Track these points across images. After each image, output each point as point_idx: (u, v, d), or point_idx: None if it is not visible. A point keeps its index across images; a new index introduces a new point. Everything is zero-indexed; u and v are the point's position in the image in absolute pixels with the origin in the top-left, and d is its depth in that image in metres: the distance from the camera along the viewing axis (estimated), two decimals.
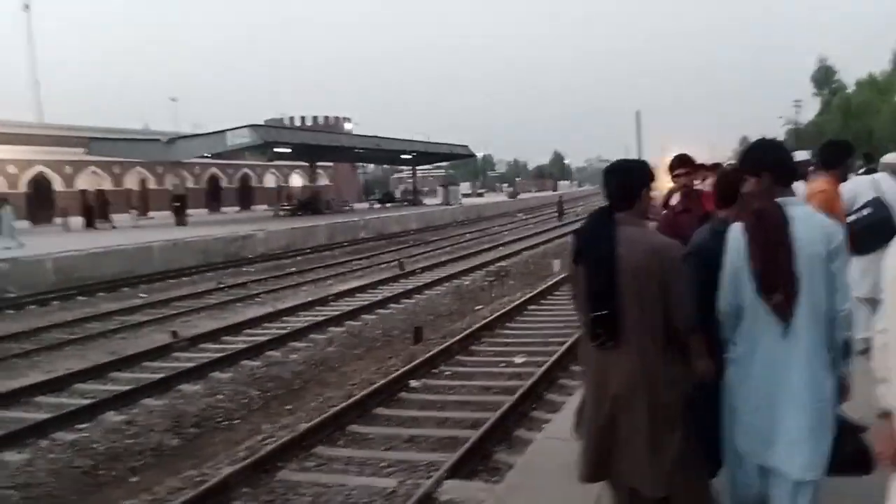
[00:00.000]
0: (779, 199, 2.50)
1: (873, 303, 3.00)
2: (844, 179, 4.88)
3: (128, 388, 7.82)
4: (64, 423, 6.75)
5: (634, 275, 2.50)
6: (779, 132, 63.96)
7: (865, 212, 4.90)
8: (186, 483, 5.34)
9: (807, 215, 2.51)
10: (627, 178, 2.66)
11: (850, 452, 2.49)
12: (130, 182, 44.22)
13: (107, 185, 42.68)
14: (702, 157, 5.51)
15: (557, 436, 4.16)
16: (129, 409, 7.26)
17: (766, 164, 2.57)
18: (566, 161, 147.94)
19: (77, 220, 32.38)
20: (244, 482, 5.16)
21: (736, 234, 2.53)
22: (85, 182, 41.58)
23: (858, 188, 5.03)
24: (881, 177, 5.15)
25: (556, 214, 39.94)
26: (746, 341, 2.51)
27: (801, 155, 7.33)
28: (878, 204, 4.89)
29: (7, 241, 19.66)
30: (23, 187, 37.91)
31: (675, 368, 2.55)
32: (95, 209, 33.10)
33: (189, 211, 33.78)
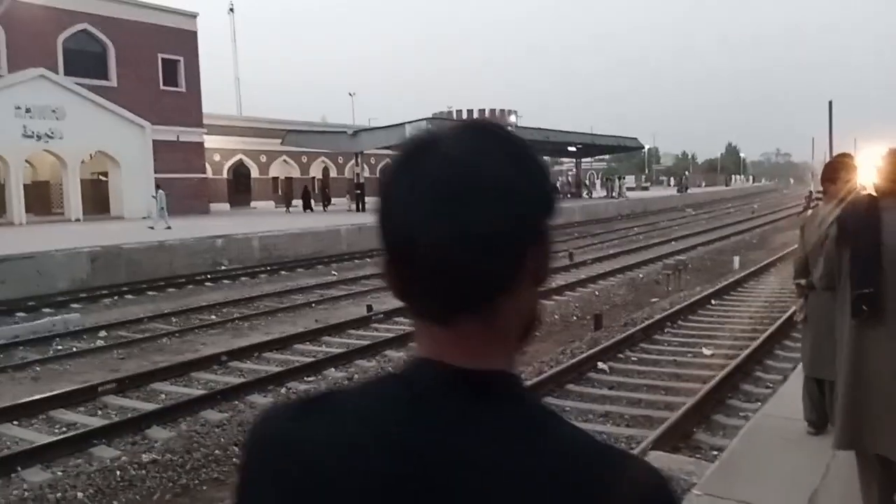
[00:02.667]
0: None
1: None
2: None
3: (342, 350, 8.82)
4: (294, 375, 7.81)
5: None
6: None
7: None
8: None
9: None
10: (892, 163, 2.81)
11: None
12: (315, 171, 48.01)
13: (295, 173, 46.65)
14: None
15: (776, 414, 4.30)
16: (347, 367, 8.22)
17: None
18: (741, 154, 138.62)
19: (269, 204, 35.78)
20: None
21: None
22: (277, 170, 45.74)
23: None
24: None
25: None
26: None
27: None
28: None
29: (158, 223, 22.08)
30: (225, 174, 42.41)
31: None
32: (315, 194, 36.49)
33: (367, 198, 36.14)
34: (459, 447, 0.60)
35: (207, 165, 37.77)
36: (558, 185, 62.91)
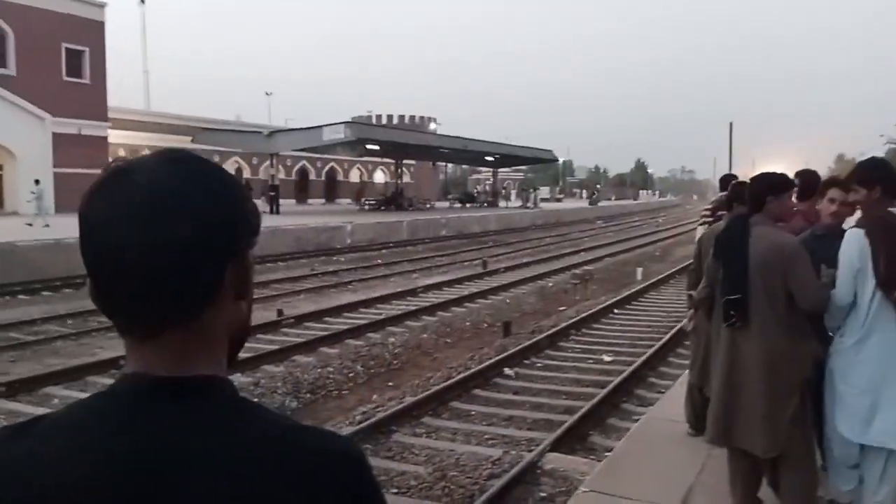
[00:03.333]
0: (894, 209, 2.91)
1: None
2: None
3: (248, 355, 8.68)
4: None
5: (761, 265, 2.97)
6: (880, 150, 60.83)
7: None
8: None
9: None
10: (756, 187, 3.13)
11: None
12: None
13: None
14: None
15: (661, 416, 4.61)
16: (254, 372, 8.11)
17: (878, 177, 2.97)
18: (649, 170, 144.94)
19: None
20: (364, 440, 5.81)
21: (857, 238, 2.91)
22: None
23: None
24: None
25: None
26: (856, 332, 2.91)
27: None
28: None
29: (36, 220, 20.97)
30: None
31: (795, 347, 3.00)
32: None
33: (280, 201, 35.49)
34: (166, 446, 0.64)
35: (111, 161, 35.98)
36: (475, 193, 63.95)
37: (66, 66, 32.17)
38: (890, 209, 2.90)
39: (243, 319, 0.75)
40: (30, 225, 20.20)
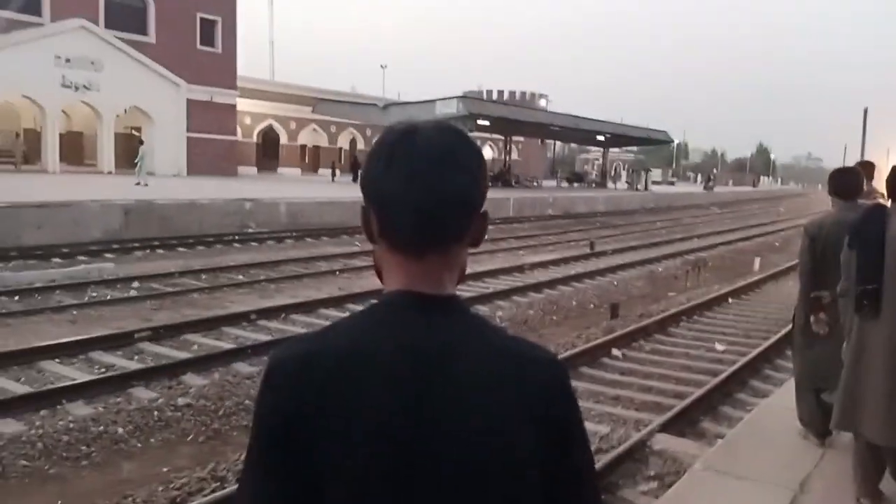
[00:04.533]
0: None
1: None
2: None
3: None
4: None
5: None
6: None
7: None
8: None
9: None
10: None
11: None
12: (342, 141, 48.28)
13: (323, 142, 46.98)
14: None
15: (780, 404, 4.54)
16: None
17: None
18: (772, 155, 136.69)
19: (295, 171, 35.91)
20: None
21: None
22: (305, 138, 46.03)
23: None
24: None
25: None
26: None
27: None
28: None
29: (143, 178, 22.23)
30: (255, 138, 42.82)
31: None
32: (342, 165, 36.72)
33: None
34: (446, 343, 0.86)
35: (238, 128, 38.23)
36: (583, 173, 62.77)
37: (200, 35, 34.24)
38: None
39: (466, 261, 0.96)
40: (138, 184, 21.20)
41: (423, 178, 0.86)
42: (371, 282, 12.31)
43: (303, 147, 46.27)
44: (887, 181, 3.15)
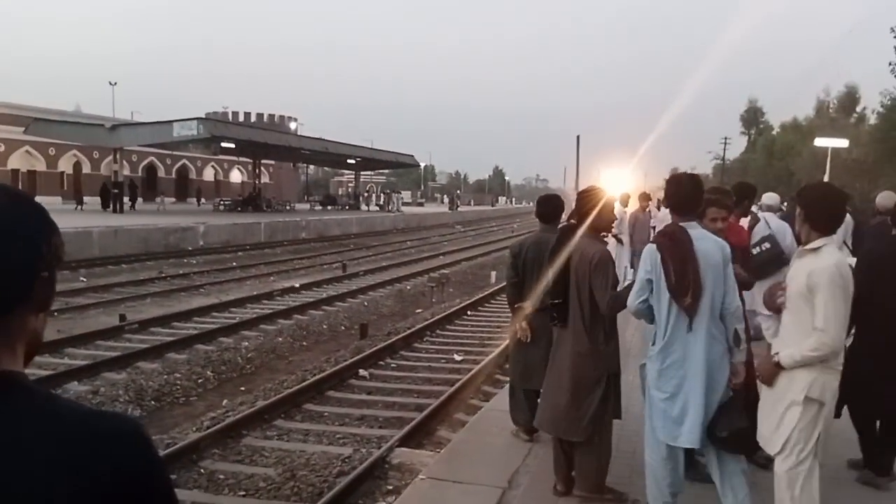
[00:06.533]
0: (682, 224, 3.24)
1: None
2: (746, 215, 5.91)
3: (87, 362, 8.18)
4: None
5: (575, 274, 3.35)
6: (707, 166, 67.34)
7: (765, 246, 5.92)
8: (158, 445, 5.86)
9: (703, 235, 3.18)
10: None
11: (730, 430, 3.01)
12: (64, 165, 43.04)
13: (41, 166, 41.46)
14: (637, 185, 6.52)
15: (498, 408, 4.96)
16: (93, 380, 7.65)
17: (667, 195, 3.40)
18: (506, 177, 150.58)
19: None
20: (212, 445, 5.73)
21: (650, 252, 3.15)
22: (17, 161, 40.25)
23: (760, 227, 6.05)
24: (768, 216, 6.21)
25: None
26: (661, 340, 3.13)
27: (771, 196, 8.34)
28: (772, 240, 5.93)
29: None
30: None
31: (597, 347, 3.39)
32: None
33: (125, 198, 33.25)
34: None
35: None
36: (336, 196, 63.37)
37: None
38: (681, 224, 3.23)
39: (39, 330, 0.88)
40: None
41: None
42: (97, 321, 11.11)
43: (14, 171, 40.35)
44: (575, 206, 3.59)
